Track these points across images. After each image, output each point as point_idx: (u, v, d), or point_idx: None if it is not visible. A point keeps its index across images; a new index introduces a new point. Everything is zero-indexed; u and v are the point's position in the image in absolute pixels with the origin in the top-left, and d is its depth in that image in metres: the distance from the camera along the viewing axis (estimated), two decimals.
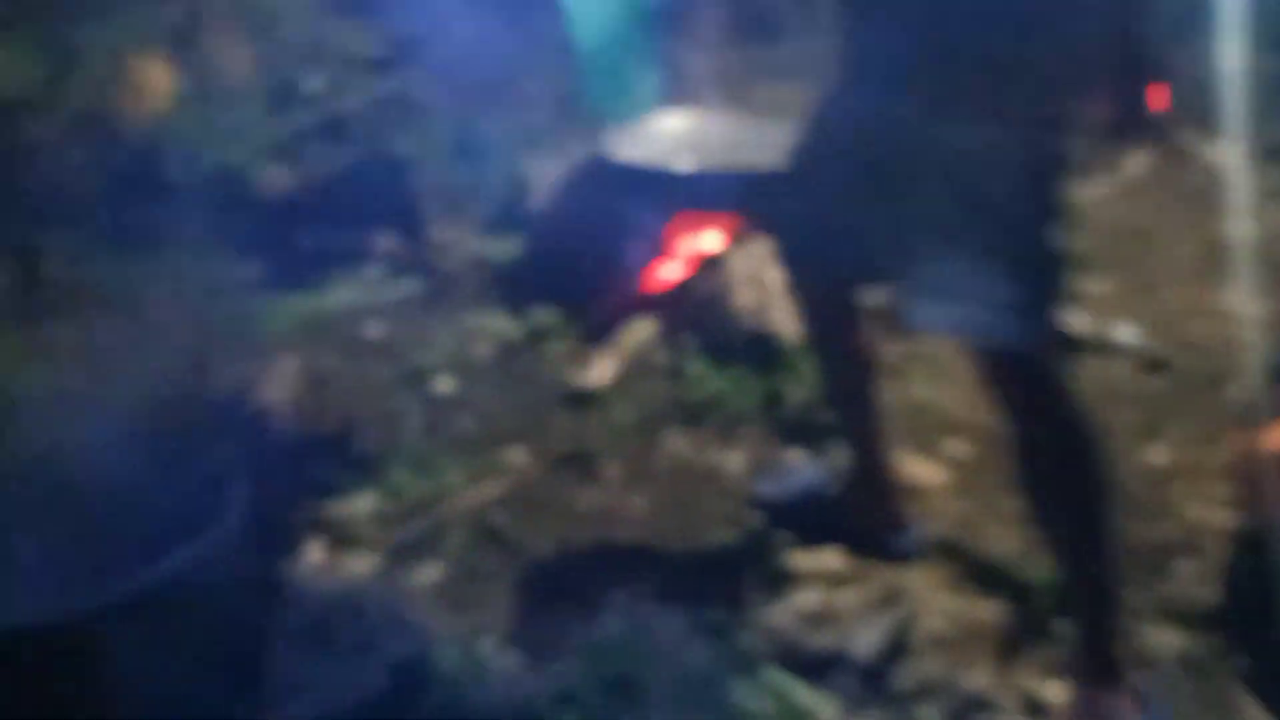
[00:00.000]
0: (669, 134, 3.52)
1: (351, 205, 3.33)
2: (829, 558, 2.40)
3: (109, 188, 3.31)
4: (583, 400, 2.88)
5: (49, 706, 1.39)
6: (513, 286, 3.29)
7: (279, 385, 2.71)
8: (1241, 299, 3.30)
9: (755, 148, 3.49)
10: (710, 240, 3.26)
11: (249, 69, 3.24)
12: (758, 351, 2.95)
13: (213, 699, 1.58)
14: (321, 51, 3.52)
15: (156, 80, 2.79)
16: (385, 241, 3.39)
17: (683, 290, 3.14)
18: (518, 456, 2.73)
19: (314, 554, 2.28)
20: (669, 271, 3.28)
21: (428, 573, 2.37)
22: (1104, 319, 3.19)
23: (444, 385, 2.89)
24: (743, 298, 2.99)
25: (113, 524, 1.68)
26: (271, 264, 3.23)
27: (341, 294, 3.15)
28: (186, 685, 1.51)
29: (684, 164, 3.36)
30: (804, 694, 2.06)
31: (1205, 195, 4.00)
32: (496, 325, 3.13)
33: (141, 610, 1.42)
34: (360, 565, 2.32)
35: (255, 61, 3.32)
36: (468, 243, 3.42)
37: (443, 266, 3.34)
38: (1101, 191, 4.01)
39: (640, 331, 3.08)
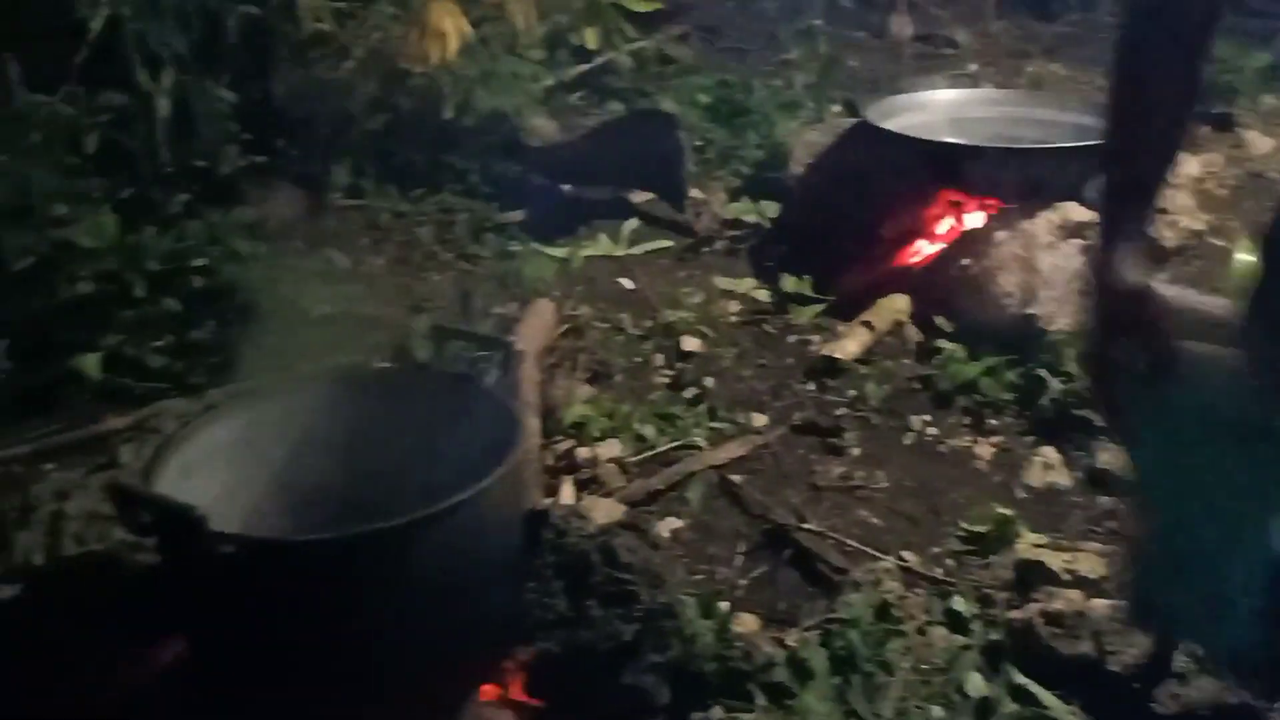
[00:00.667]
0: (938, 107, 3.40)
1: (613, 159, 3.40)
2: (1085, 561, 2.29)
3: (391, 125, 3.53)
4: (829, 371, 2.85)
5: (358, 607, 1.52)
6: (766, 251, 3.29)
7: (537, 328, 2.82)
8: None
9: (1026, 126, 3.35)
10: (973, 218, 3.14)
11: (528, 17, 3.34)
12: (1018, 338, 2.82)
13: (480, 619, 1.68)
14: (595, 5, 3.58)
15: (446, 26, 2.93)
16: (643, 197, 3.45)
17: (941, 268, 3.04)
18: (761, 421, 2.74)
19: (566, 495, 2.37)
20: (927, 247, 3.19)
21: (670, 524, 2.43)
22: None
23: (692, 343, 2.93)
24: (1007, 281, 2.87)
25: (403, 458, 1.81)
26: (534, 210, 3.36)
27: (599, 245, 3.23)
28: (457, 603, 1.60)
29: (952, 137, 3.26)
30: (1051, 701, 1.98)
31: None
32: (747, 288, 3.14)
33: (423, 533, 1.52)
34: (609, 511, 2.40)
35: (533, 9, 3.42)
36: (725, 204, 3.43)
37: (698, 225, 3.37)
38: None
39: (893, 305, 3.01)
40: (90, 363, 2.46)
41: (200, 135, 3.04)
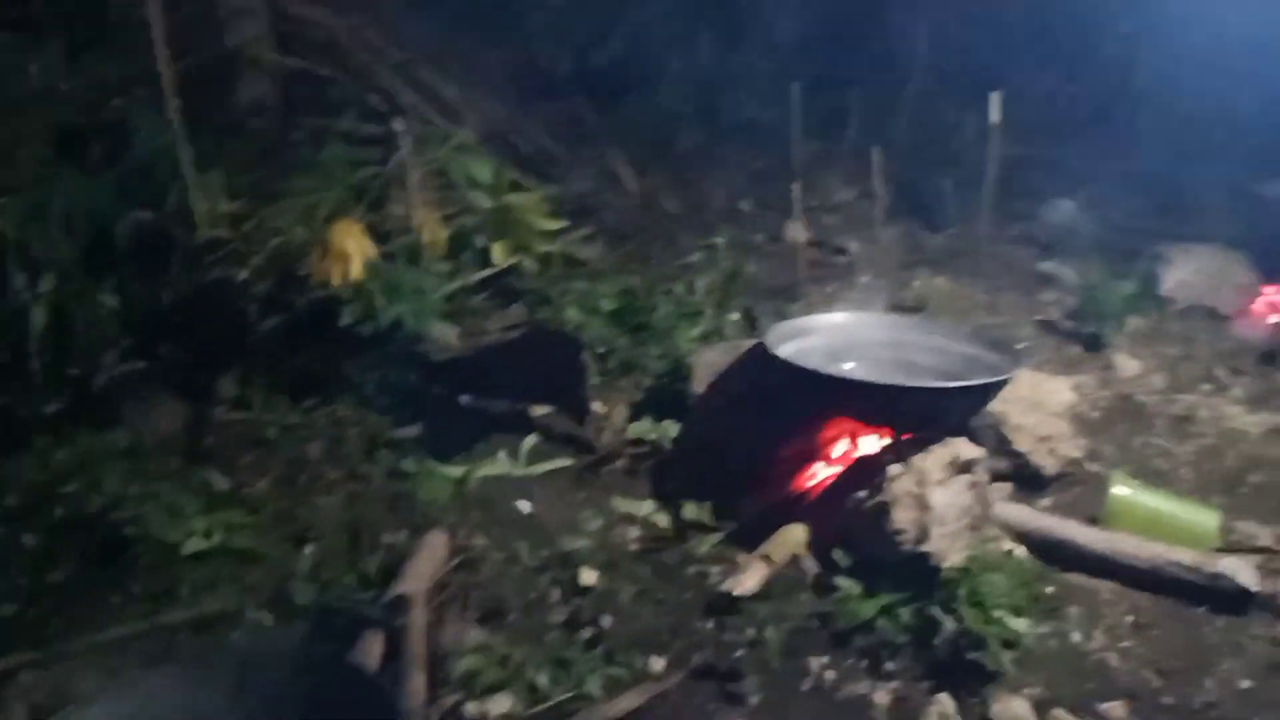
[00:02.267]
0: (834, 331, 3.49)
1: (514, 372, 3.38)
2: None
3: (286, 330, 3.44)
4: (728, 608, 2.81)
5: None
6: (667, 472, 3.27)
7: (427, 564, 2.72)
8: None
9: (920, 353, 3.46)
10: (868, 445, 3.19)
11: (435, 231, 3.35)
12: (912, 576, 2.84)
13: None
14: (506, 216, 3.62)
15: (350, 247, 2.91)
16: (544, 411, 3.42)
17: (838, 499, 3.06)
18: (658, 665, 2.67)
19: None
20: (824, 472, 3.23)
21: None
22: (1273, 575, 2.99)
23: (589, 577, 2.86)
24: (901, 517, 2.89)
25: None
26: (432, 424, 3.29)
27: (496, 464, 3.17)
28: None
29: (850, 369, 3.35)
30: None
31: None
32: (647, 512, 3.11)
33: None
34: None
35: (441, 224, 3.43)
36: (626, 419, 3.42)
37: (600, 442, 3.34)
38: (1272, 421, 3.82)
39: (791, 538, 3.01)
40: None
41: (77, 343, 2.91)
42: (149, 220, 3.16)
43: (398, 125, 3.33)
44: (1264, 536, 3.21)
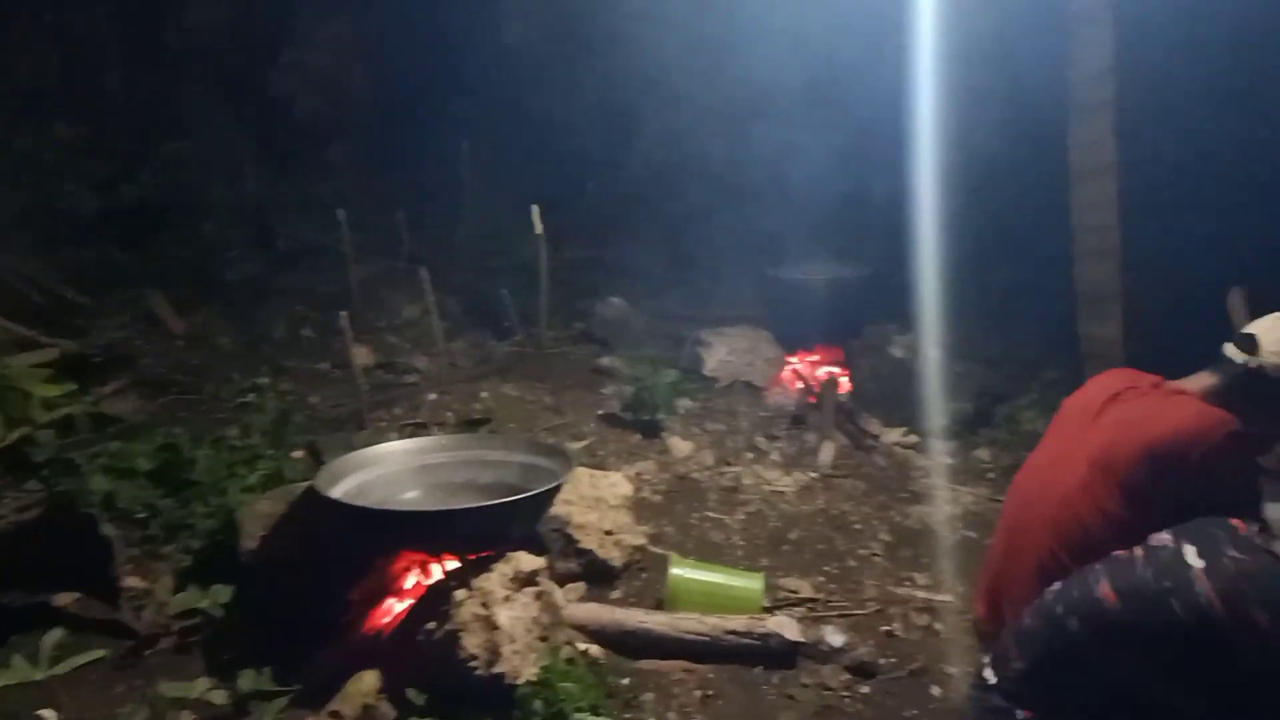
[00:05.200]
0: (395, 458, 3.44)
1: (30, 556, 2.96)
2: None
3: None
4: None
5: None
6: (222, 643, 3.01)
7: None
8: (932, 588, 3.60)
9: (480, 468, 3.51)
10: (434, 576, 3.16)
11: None
12: (489, 699, 2.82)
13: None
14: None
15: None
16: (66, 599, 3.02)
17: (408, 636, 2.99)
18: None
19: None
20: (397, 606, 3.14)
21: None
22: (815, 622, 3.34)
23: None
24: (470, 643, 2.88)
25: None
26: None
27: (11, 671, 2.73)
28: None
29: (412, 498, 3.31)
30: None
31: (889, 479, 4.43)
32: (201, 692, 2.82)
33: None
34: None
35: None
36: (171, 592, 3.11)
37: (140, 623, 3.01)
38: (803, 480, 4.32)
39: (361, 687, 2.87)
40: None
41: None
42: None
43: None
44: (805, 588, 3.58)
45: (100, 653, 2.90)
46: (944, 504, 4.12)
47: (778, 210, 5.98)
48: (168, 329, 4.59)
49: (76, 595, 3.02)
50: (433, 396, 4.54)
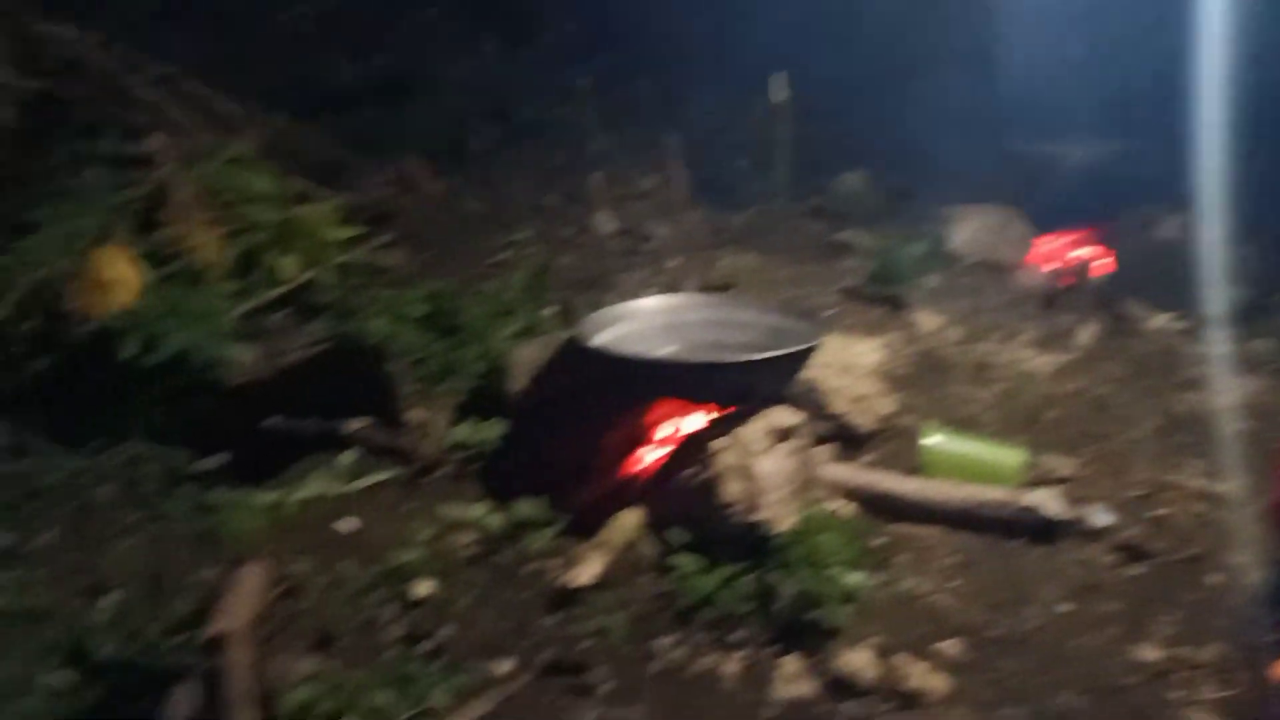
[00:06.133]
0: (648, 315, 3.49)
1: (321, 387, 3.20)
2: None
3: (60, 370, 3.15)
4: (569, 601, 2.76)
5: None
6: (492, 474, 3.18)
7: (245, 597, 2.53)
8: (1210, 475, 3.37)
9: (731, 329, 3.52)
10: (691, 423, 3.21)
11: (216, 249, 3.13)
12: (748, 546, 2.87)
13: None
14: (293, 230, 3.43)
15: (116, 274, 2.66)
16: (357, 426, 3.26)
17: (668, 478, 3.06)
18: (505, 667, 2.59)
19: None
20: (651, 454, 3.22)
21: None
22: (1078, 502, 3.19)
23: (423, 588, 2.74)
24: (729, 490, 2.92)
25: None
26: (237, 453, 3.08)
27: (312, 485, 3.00)
28: None
29: (664, 344, 3.35)
30: None
31: (1156, 364, 4.14)
32: (478, 515, 3.01)
33: None
34: None
35: (221, 241, 3.21)
36: (447, 425, 3.31)
37: (418, 452, 3.21)
38: (1059, 361, 4.10)
39: (626, 523, 2.99)
40: None
41: None
42: None
43: (155, 142, 3.08)
44: (1064, 467, 3.43)
45: (388, 474, 3.13)
46: (1220, 393, 3.82)
47: (1030, 80, 5.58)
48: (422, 191, 4.79)
49: (364, 424, 3.25)
50: (673, 263, 4.56)
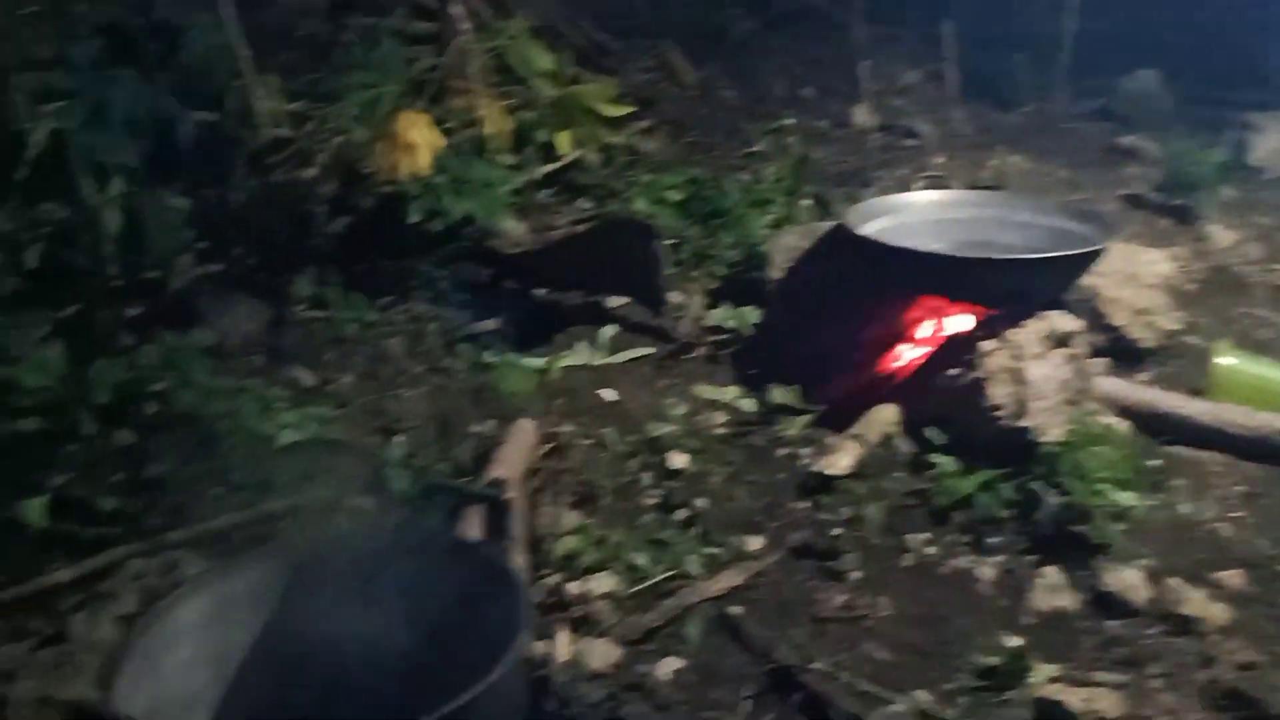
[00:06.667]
0: (915, 209, 3.36)
1: (587, 263, 3.29)
2: (1104, 698, 2.20)
3: (354, 230, 3.38)
4: (823, 488, 2.75)
5: None
6: (746, 359, 3.19)
7: (518, 450, 2.68)
8: None
9: (1005, 229, 3.33)
10: (956, 324, 3.09)
11: (501, 123, 3.24)
12: (1011, 451, 2.76)
13: None
14: (570, 106, 3.50)
15: (416, 138, 2.81)
16: (618, 303, 3.34)
17: (929, 378, 2.97)
18: (755, 544, 2.63)
19: (562, 644, 2.22)
20: (910, 353, 3.13)
21: (669, 665, 2.29)
22: None
23: (679, 460, 2.81)
24: (997, 393, 2.80)
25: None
26: (508, 318, 3.23)
27: (576, 354, 3.11)
28: None
29: (931, 241, 3.22)
30: None
31: None
32: (731, 398, 3.04)
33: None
34: (605, 654, 2.25)
35: (505, 115, 3.32)
36: (704, 308, 3.34)
37: (678, 331, 3.27)
38: None
39: (883, 417, 2.93)
40: (34, 509, 2.25)
41: (151, 246, 2.86)
42: (211, 122, 3.09)
43: (455, 9, 3.20)
44: None
45: (647, 350, 3.21)
46: None
47: None
48: (680, 79, 4.77)
49: (625, 301, 3.33)
50: (937, 161, 4.36)
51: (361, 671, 1.64)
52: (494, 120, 3.04)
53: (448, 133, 3.20)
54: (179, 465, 2.41)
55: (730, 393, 3.06)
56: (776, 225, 3.64)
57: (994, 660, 2.31)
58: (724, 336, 3.26)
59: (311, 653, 1.68)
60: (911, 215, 3.34)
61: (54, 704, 1.71)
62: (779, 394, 3.00)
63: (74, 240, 2.78)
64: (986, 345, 2.88)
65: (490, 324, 3.17)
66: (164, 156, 2.98)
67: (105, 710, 1.36)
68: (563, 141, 3.46)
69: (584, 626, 2.34)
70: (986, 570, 2.59)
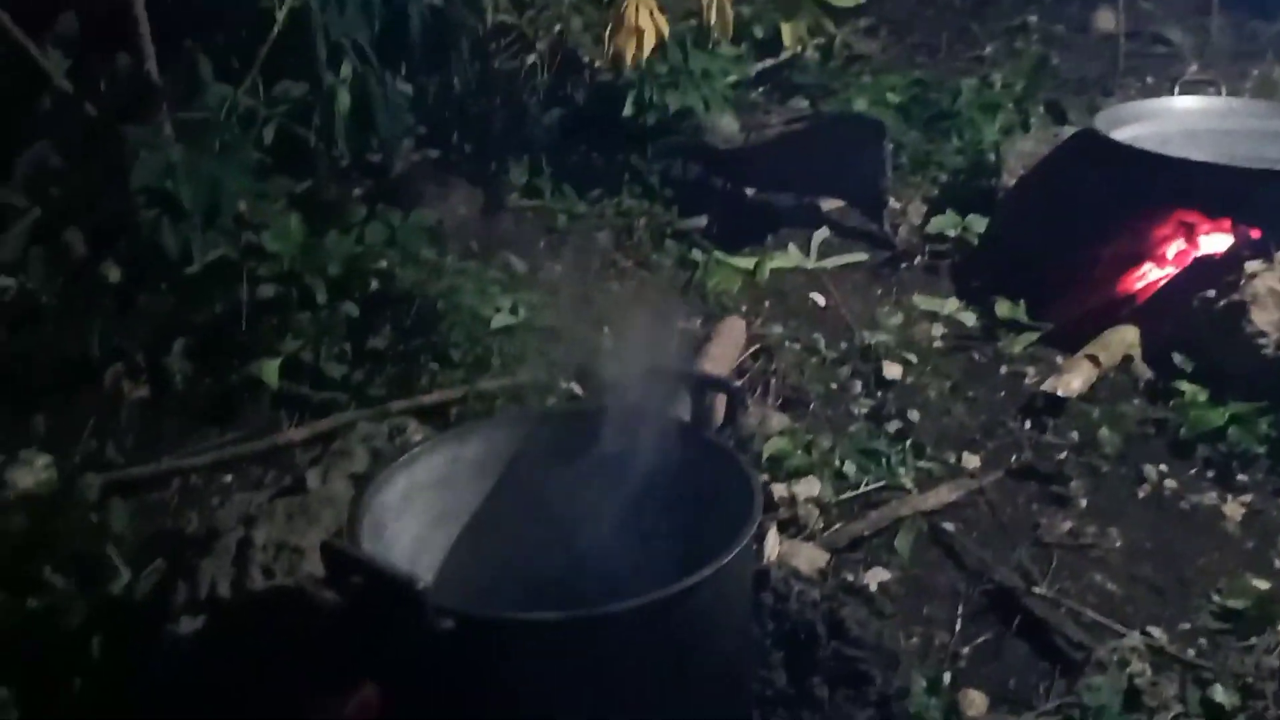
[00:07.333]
0: (1171, 117, 3.05)
1: (805, 164, 3.16)
2: None
3: (568, 121, 3.36)
4: (1049, 409, 2.57)
5: (584, 688, 1.36)
6: (972, 269, 3.01)
7: (726, 348, 2.62)
8: None
9: (1272, 142, 2.99)
10: (1210, 243, 2.80)
11: (726, 13, 3.12)
12: (1273, 384, 2.49)
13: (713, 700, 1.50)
14: None
15: (645, 23, 2.73)
16: (833, 204, 3.20)
17: (1178, 299, 2.72)
18: (973, 462, 2.49)
19: (772, 544, 2.17)
20: (1154, 273, 2.87)
21: (877, 575, 2.21)
22: None
23: (893, 370, 2.68)
24: (1262, 319, 2.53)
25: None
26: (718, 216, 3.15)
27: (788, 257, 3.01)
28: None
29: (1188, 151, 2.92)
30: None
31: None
32: (951, 310, 2.88)
33: (663, 612, 1.35)
34: (811, 559, 2.19)
35: (730, 5, 3.20)
36: (923, 215, 3.16)
37: (896, 238, 3.11)
38: None
39: (1121, 339, 2.70)
40: (270, 370, 2.37)
41: (377, 129, 2.92)
42: (439, 5, 3.10)
43: None
44: None
45: (861, 257, 3.07)
46: None
47: None
48: None
49: (841, 204, 3.19)
50: (1190, 69, 3.95)
51: (589, 543, 1.64)
52: (719, 7, 2.91)
53: (673, 22, 3.10)
54: (399, 340, 2.48)
55: (950, 304, 2.90)
56: (1007, 131, 3.40)
57: (1239, 603, 2.11)
58: (944, 246, 3.08)
59: (541, 521, 1.69)
60: (1169, 123, 3.05)
61: (291, 548, 1.79)
62: (1004, 308, 2.82)
63: (307, 119, 2.87)
64: (1251, 266, 2.60)
65: (699, 221, 3.10)
66: (393, 40, 3.02)
67: (348, 552, 1.39)
68: (788, 34, 3.30)
69: (790, 529, 2.28)
70: (1233, 508, 2.36)
